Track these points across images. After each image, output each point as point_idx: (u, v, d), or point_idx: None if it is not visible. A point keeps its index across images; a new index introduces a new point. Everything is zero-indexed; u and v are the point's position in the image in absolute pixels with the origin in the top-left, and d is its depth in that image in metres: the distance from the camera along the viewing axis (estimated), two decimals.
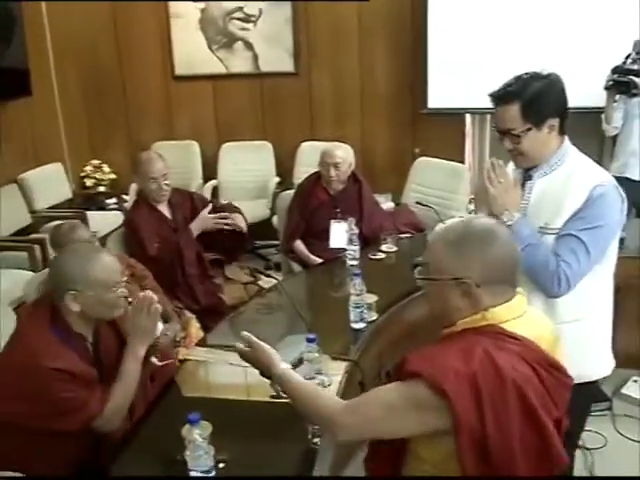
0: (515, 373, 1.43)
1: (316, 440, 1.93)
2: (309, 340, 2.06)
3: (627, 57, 4.19)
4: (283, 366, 1.72)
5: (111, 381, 2.12)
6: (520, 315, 1.56)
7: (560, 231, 2.09)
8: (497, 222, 1.65)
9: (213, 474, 1.74)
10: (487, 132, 5.46)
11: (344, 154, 3.89)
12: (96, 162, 5.97)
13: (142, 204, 3.54)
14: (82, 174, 5.92)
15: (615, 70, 4.14)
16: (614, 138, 4.43)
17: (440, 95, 5.21)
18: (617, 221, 2.12)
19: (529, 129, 2.08)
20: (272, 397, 1.80)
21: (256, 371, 1.80)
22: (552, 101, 2.10)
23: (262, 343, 1.78)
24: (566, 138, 2.18)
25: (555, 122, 2.10)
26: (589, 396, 2.37)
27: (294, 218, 3.98)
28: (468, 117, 5.47)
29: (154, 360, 2.25)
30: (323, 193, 3.93)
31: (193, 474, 1.72)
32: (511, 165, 2.28)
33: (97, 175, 5.90)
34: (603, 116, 4.31)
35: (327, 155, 3.85)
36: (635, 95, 4.09)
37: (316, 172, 3.99)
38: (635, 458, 3.04)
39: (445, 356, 1.45)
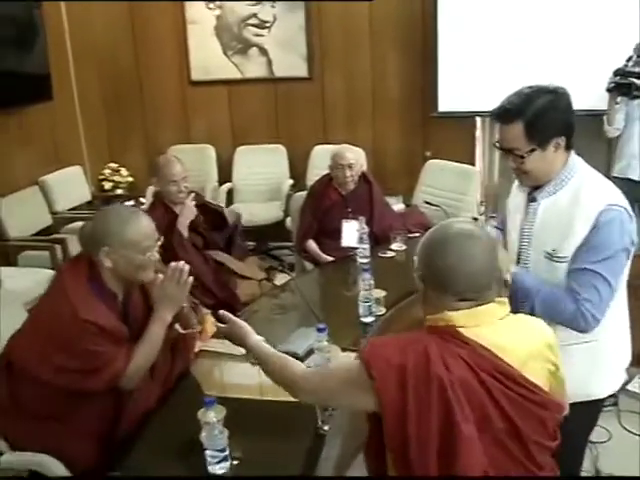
0: (445, 373, 1.45)
1: (326, 428, 2.03)
2: (319, 330, 2.16)
3: (628, 60, 4.27)
4: (256, 338, 1.87)
5: (135, 341, 2.22)
6: (482, 324, 1.54)
7: (572, 263, 1.98)
8: (473, 230, 1.57)
9: (227, 453, 1.84)
10: (497, 135, 5.54)
11: (356, 155, 4.01)
12: (114, 165, 6.11)
13: (159, 205, 3.62)
14: (101, 177, 6.07)
15: (616, 72, 4.22)
16: (617, 140, 4.49)
17: (450, 98, 5.29)
18: (629, 243, 1.97)
19: (533, 150, 1.96)
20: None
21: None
22: (558, 119, 1.97)
23: (237, 319, 1.94)
24: (572, 153, 2.05)
25: (561, 141, 1.97)
26: (597, 412, 2.28)
27: (307, 218, 4.09)
28: (478, 120, 5.55)
29: (177, 327, 2.35)
30: (335, 194, 4.04)
31: (208, 452, 1.83)
32: (516, 184, 2.22)
33: (115, 178, 6.05)
34: (605, 118, 4.39)
35: (340, 157, 3.96)
36: (636, 97, 4.17)
37: (328, 174, 4.10)
38: (638, 452, 3.10)
39: (390, 346, 1.53)
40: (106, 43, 5.94)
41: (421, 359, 1.47)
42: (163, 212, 3.56)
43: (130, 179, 6.09)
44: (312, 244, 4.03)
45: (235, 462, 1.86)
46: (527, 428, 1.51)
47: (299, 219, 4.18)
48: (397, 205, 4.71)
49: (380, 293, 2.81)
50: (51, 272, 4.34)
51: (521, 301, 1.98)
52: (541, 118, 1.93)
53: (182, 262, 2.30)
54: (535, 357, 1.57)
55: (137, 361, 2.19)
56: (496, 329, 1.54)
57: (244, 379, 2.39)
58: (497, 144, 2.07)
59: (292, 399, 1.73)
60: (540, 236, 2.06)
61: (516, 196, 2.21)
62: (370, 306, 2.72)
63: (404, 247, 3.61)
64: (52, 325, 2.11)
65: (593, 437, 3.18)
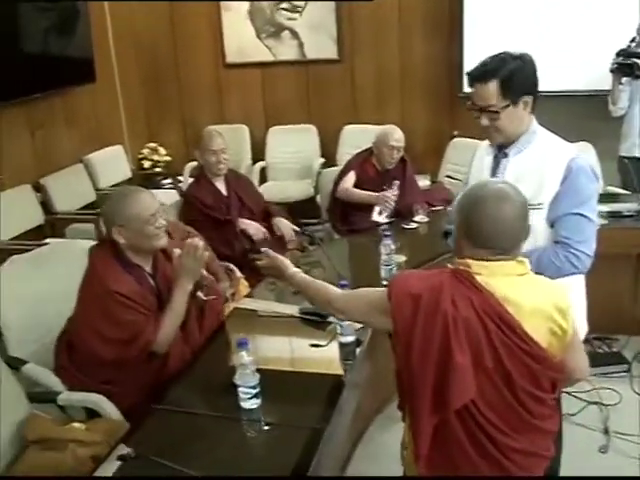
0: (451, 308, 1.62)
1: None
2: (341, 285, 2.37)
3: (632, 40, 4.39)
4: (294, 269, 2.15)
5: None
6: (496, 275, 1.68)
7: (554, 213, 2.19)
8: (509, 192, 1.71)
9: (258, 390, 2.07)
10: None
11: (403, 137, 4.14)
12: (153, 145, 6.38)
13: (201, 179, 3.84)
14: (140, 156, 6.34)
15: (619, 53, 4.35)
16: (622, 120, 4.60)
17: None
18: (596, 190, 2.25)
19: (507, 105, 2.17)
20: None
21: (301, 345, 2.23)
22: (527, 79, 2.20)
23: (277, 255, 2.21)
24: (534, 117, 2.29)
25: (529, 99, 2.20)
26: None
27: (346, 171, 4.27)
28: None
29: (200, 294, 2.58)
30: (372, 170, 4.20)
31: (241, 390, 2.06)
32: (485, 143, 2.41)
33: (154, 157, 6.31)
34: (609, 98, 4.51)
35: (391, 138, 4.07)
36: (639, 77, 4.27)
37: (367, 149, 4.25)
38: None
39: (413, 277, 1.77)
40: (145, 29, 6.21)
41: (434, 293, 1.65)
42: (206, 185, 3.79)
43: (168, 158, 6.34)
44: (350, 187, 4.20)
45: (266, 427, 2.01)
46: (517, 375, 1.65)
47: (339, 174, 4.33)
48: (423, 182, 4.88)
49: (400, 258, 3.02)
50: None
51: None
52: (514, 77, 2.15)
53: (197, 239, 2.54)
54: (538, 314, 1.67)
55: (164, 328, 2.41)
56: (508, 283, 1.68)
57: (276, 352, 2.55)
58: (471, 104, 2.25)
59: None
60: None
61: (482, 158, 2.42)
62: (391, 269, 2.93)
63: (426, 219, 3.81)
64: (93, 301, 2.39)
65: (605, 400, 3.40)
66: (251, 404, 2.06)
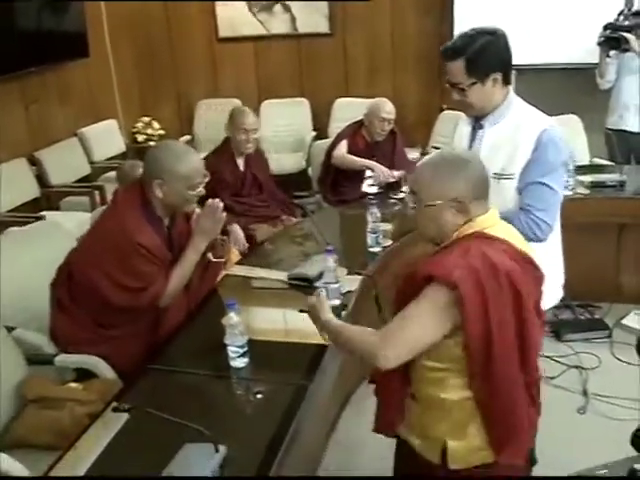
0: (504, 265, 1.63)
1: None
2: (327, 251, 2.47)
3: (620, 14, 4.46)
4: (330, 315, 1.89)
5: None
6: (496, 223, 1.78)
7: (521, 181, 2.25)
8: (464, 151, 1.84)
9: (246, 349, 2.17)
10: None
11: (394, 110, 4.19)
12: (146, 119, 6.42)
13: (224, 154, 3.84)
14: (134, 130, 6.39)
15: (607, 27, 4.41)
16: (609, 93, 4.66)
17: None
18: (567, 157, 2.34)
19: (474, 83, 2.20)
20: (324, 339, 1.96)
21: (294, 317, 2.17)
22: (495, 57, 2.21)
23: (323, 297, 1.95)
24: (510, 89, 2.32)
25: (498, 76, 2.22)
26: None
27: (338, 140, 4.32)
28: None
29: (209, 255, 2.65)
30: (362, 141, 4.27)
31: (230, 349, 2.16)
32: (462, 119, 2.49)
33: (148, 131, 6.36)
34: (597, 71, 4.57)
35: (382, 110, 4.13)
36: (626, 50, 4.34)
37: (358, 121, 4.31)
38: (628, 379, 3.34)
39: (448, 258, 1.65)
40: (138, 3, 6.17)
41: (485, 259, 1.63)
42: (226, 158, 3.81)
43: (162, 132, 6.39)
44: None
45: (259, 395, 2.05)
46: (538, 301, 1.79)
47: (328, 149, 4.38)
48: (413, 154, 4.96)
49: (387, 226, 3.11)
50: (90, 215, 4.73)
51: None
52: (479, 56, 2.18)
53: (217, 200, 2.55)
54: (523, 244, 1.82)
55: (173, 282, 2.48)
56: (502, 228, 1.78)
57: (268, 324, 2.60)
58: (447, 79, 2.30)
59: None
60: (488, 159, 2.20)
61: (461, 129, 2.49)
62: (377, 237, 3.02)
63: None
64: (110, 244, 2.40)
65: (585, 364, 3.52)
66: (240, 363, 2.16)
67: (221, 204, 2.54)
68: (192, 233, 2.55)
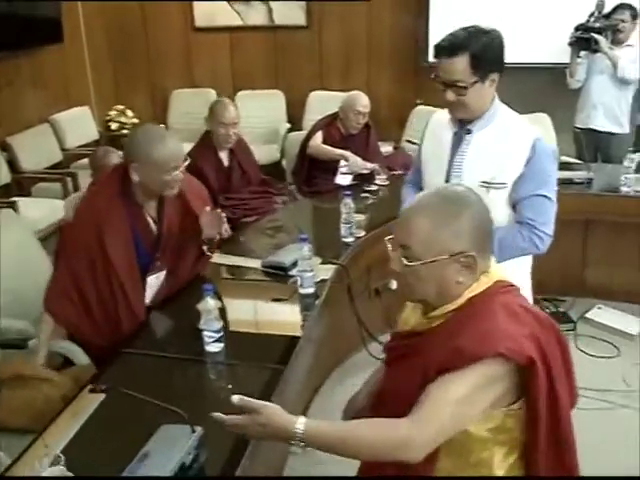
0: (544, 316, 1.47)
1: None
2: (301, 239, 2.51)
3: (591, 15, 4.59)
4: (301, 420, 1.37)
5: (167, 253, 2.51)
6: (500, 270, 1.58)
7: (518, 194, 2.15)
8: (470, 191, 1.53)
9: (221, 334, 2.20)
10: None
11: (369, 103, 4.22)
12: (120, 107, 6.39)
13: (205, 148, 3.71)
14: (107, 118, 6.36)
15: (578, 27, 4.57)
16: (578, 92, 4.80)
17: None
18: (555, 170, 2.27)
19: (476, 82, 2.08)
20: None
21: (266, 308, 2.17)
22: (497, 56, 2.12)
23: (266, 403, 1.42)
24: (496, 93, 2.22)
25: (496, 77, 2.13)
26: None
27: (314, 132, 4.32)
28: None
29: (205, 248, 2.66)
30: (337, 133, 4.29)
31: (206, 334, 2.19)
32: (441, 117, 2.31)
33: (121, 119, 6.33)
34: (567, 71, 4.70)
35: (358, 103, 4.15)
36: (596, 51, 4.49)
37: (333, 114, 4.34)
38: (592, 370, 3.46)
39: (501, 325, 1.38)
40: None
41: (533, 318, 1.44)
42: (209, 155, 3.64)
43: (135, 120, 6.35)
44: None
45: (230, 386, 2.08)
46: None
47: (303, 140, 4.39)
48: (385, 148, 5.01)
49: (360, 217, 3.17)
50: (62, 202, 4.71)
51: None
52: (485, 53, 2.07)
53: (219, 211, 2.62)
54: None
55: None
56: (503, 271, 1.58)
57: (242, 315, 2.60)
58: (435, 76, 2.15)
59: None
60: (474, 167, 2.19)
61: (440, 133, 2.30)
62: (350, 227, 3.07)
63: (387, 183, 3.95)
64: (78, 231, 2.42)
65: None
66: (215, 347, 2.19)
67: (223, 214, 2.59)
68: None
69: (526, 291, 2.25)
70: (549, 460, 1.48)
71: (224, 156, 3.78)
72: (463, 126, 2.23)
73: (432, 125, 2.41)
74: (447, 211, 1.44)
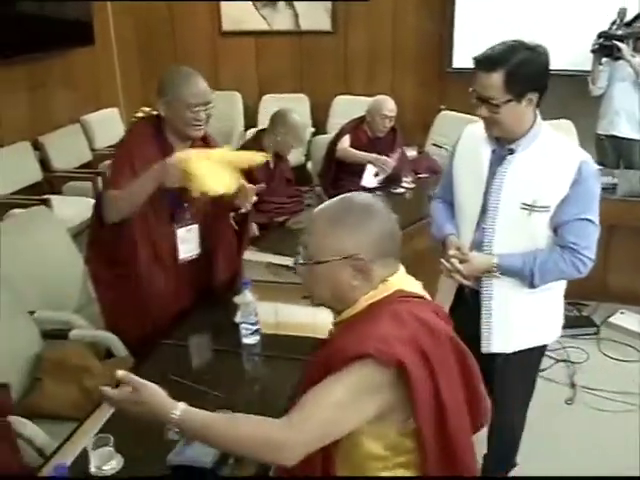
0: (441, 326, 1.44)
1: None
2: None
3: (612, 23, 4.66)
4: (180, 406, 1.38)
5: (196, 204, 2.51)
6: (410, 280, 1.54)
7: (561, 217, 2.07)
8: (370, 196, 1.52)
9: (258, 327, 2.27)
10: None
11: (395, 107, 4.31)
12: (146, 109, 6.47)
13: (256, 145, 3.68)
14: (133, 119, 6.43)
15: (601, 35, 4.62)
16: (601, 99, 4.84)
17: (465, 55, 5.60)
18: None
19: (509, 100, 1.99)
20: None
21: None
22: (536, 74, 2.01)
23: (146, 382, 1.42)
24: (538, 113, 2.12)
25: (534, 97, 2.02)
26: (540, 357, 2.48)
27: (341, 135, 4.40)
28: None
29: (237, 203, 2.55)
30: (364, 137, 4.37)
31: (243, 326, 2.26)
32: (477, 129, 2.20)
33: None
34: (589, 78, 4.76)
35: (385, 107, 4.24)
36: (618, 58, 4.55)
37: (360, 117, 4.42)
38: (614, 373, 3.54)
39: (379, 328, 1.38)
40: None
41: (419, 323, 1.40)
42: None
43: None
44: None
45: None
46: None
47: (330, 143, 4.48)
48: (410, 152, 5.07)
49: None
50: (93, 201, 4.81)
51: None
52: (522, 70, 1.96)
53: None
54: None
55: (121, 192, 2.34)
56: (417, 285, 1.55)
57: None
58: (472, 90, 2.06)
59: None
60: (514, 189, 2.10)
61: (479, 149, 2.19)
62: None
63: (413, 185, 4.02)
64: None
65: (572, 358, 3.65)
66: (252, 339, 2.27)
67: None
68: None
69: (557, 292, 2.28)
70: (436, 462, 1.42)
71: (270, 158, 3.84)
72: (503, 145, 2.13)
73: (466, 140, 2.29)
74: (347, 216, 1.43)
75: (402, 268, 1.52)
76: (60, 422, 2.24)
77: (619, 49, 4.52)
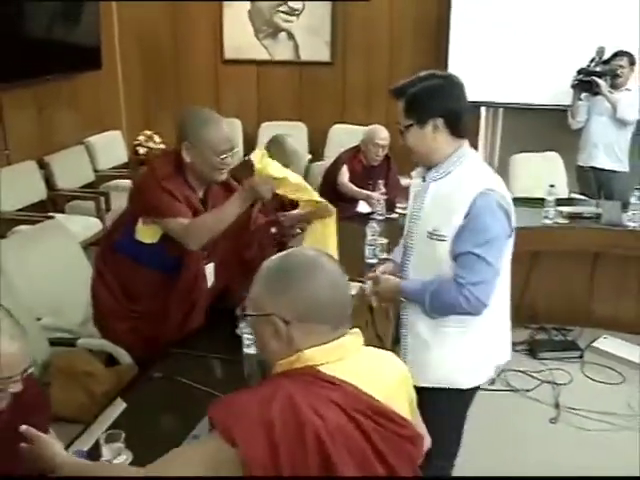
0: (319, 422, 1.24)
1: None
2: None
3: (591, 61, 4.94)
4: (62, 454, 1.53)
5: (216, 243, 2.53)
6: (344, 358, 1.37)
7: (455, 248, 2.04)
8: (322, 255, 1.41)
9: None
10: (499, 126, 6.07)
11: (388, 136, 4.48)
12: (148, 132, 6.66)
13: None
14: (135, 142, 6.62)
15: (580, 71, 4.90)
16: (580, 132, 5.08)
17: None
18: (504, 231, 2.05)
19: (410, 125, 2.07)
20: None
21: None
22: (442, 101, 2.05)
23: (42, 435, 1.55)
24: (465, 144, 2.13)
25: (439, 123, 2.04)
26: (460, 401, 2.29)
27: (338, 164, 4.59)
28: (483, 110, 6.03)
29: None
30: (359, 165, 4.57)
31: (245, 336, 2.37)
32: (414, 172, 2.30)
33: (149, 144, 6.59)
34: (569, 112, 5.00)
35: (378, 136, 4.44)
36: (597, 93, 4.81)
37: (355, 146, 4.62)
38: (597, 395, 3.68)
39: (245, 402, 1.28)
40: (149, 22, 6.52)
41: (288, 411, 1.24)
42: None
43: (162, 146, 6.58)
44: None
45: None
46: (401, 469, 1.36)
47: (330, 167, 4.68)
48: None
49: (383, 240, 3.38)
50: (96, 220, 4.96)
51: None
52: (420, 97, 2.06)
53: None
54: (398, 389, 1.46)
55: (203, 219, 2.39)
56: (358, 362, 1.39)
57: None
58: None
59: None
60: (426, 217, 2.13)
61: (415, 180, 2.30)
62: (374, 249, 3.29)
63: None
64: (141, 191, 2.47)
65: (558, 380, 3.79)
66: (253, 350, 2.33)
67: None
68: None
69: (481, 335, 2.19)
70: None
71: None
72: (429, 173, 2.16)
73: (414, 174, 2.35)
74: (279, 274, 1.37)
75: (350, 339, 1.40)
76: (67, 425, 2.35)
77: (597, 85, 4.78)
